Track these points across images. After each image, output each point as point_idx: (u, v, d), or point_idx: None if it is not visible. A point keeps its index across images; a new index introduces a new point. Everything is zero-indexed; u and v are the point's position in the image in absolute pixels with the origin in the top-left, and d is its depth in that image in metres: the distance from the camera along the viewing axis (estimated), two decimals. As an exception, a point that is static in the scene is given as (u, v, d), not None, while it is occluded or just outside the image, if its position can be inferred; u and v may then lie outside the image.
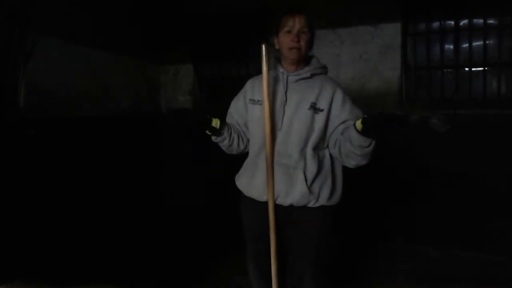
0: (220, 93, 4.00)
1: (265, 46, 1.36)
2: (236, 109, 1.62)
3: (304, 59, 1.52)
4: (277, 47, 1.53)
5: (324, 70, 1.55)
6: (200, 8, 3.81)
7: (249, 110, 1.57)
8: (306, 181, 1.43)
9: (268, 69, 1.39)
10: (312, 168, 1.44)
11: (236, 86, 1.74)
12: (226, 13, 3.72)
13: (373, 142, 1.32)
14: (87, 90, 3.17)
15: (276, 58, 1.57)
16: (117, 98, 3.56)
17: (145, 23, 3.82)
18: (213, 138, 1.57)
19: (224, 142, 1.57)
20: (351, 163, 1.43)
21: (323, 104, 1.44)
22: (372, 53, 3.21)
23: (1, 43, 2.49)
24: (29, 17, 2.58)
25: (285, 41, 1.46)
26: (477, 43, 2.98)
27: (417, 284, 2.42)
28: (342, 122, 1.44)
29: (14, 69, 2.57)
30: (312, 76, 1.49)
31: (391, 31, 3.13)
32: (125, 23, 3.56)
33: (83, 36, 3.08)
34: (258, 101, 1.52)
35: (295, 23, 1.43)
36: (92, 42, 3.18)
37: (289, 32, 1.44)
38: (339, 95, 1.45)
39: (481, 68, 2.99)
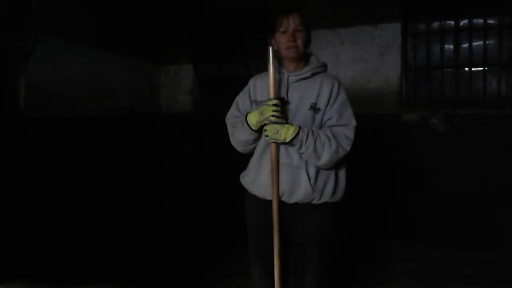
0: (220, 93, 4.00)
1: (271, 48, 1.37)
2: (245, 109, 1.62)
3: (303, 58, 1.53)
4: (275, 47, 1.53)
5: (324, 68, 1.57)
6: (200, 8, 3.81)
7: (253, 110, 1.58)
8: (309, 180, 1.45)
9: (275, 71, 1.39)
10: (314, 166, 1.46)
11: (236, 86, 1.74)
12: (226, 13, 3.71)
13: (303, 147, 1.39)
14: (87, 90, 3.17)
15: (276, 59, 1.58)
16: (117, 98, 3.55)
17: (145, 23, 3.82)
18: (252, 133, 1.50)
19: (255, 142, 1.56)
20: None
21: (322, 104, 1.47)
22: (372, 53, 3.21)
23: (1, 43, 2.49)
24: (29, 17, 2.58)
25: (281, 41, 1.47)
26: (477, 43, 2.97)
27: (417, 284, 2.42)
28: (329, 119, 1.47)
29: (14, 69, 2.57)
30: (312, 75, 1.51)
31: (391, 31, 3.13)
32: (125, 23, 3.55)
33: (83, 36, 3.08)
34: (260, 101, 1.54)
35: (290, 23, 1.44)
36: (92, 42, 3.18)
37: (284, 32, 1.46)
38: (334, 93, 1.48)
39: (481, 68, 2.98)
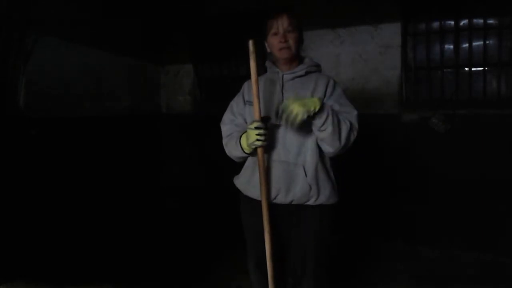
0: (220, 93, 4.00)
1: (252, 42, 1.38)
2: (239, 111, 1.63)
3: (297, 58, 1.56)
4: (268, 50, 1.58)
5: (318, 68, 1.59)
6: (200, 8, 3.81)
7: (246, 111, 1.59)
8: (307, 177, 1.44)
9: (257, 64, 1.39)
10: (312, 163, 1.45)
11: (236, 86, 1.75)
12: (226, 13, 3.72)
13: (328, 127, 1.34)
14: (87, 90, 3.17)
15: (271, 61, 1.62)
16: (117, 98, 3.55)
17: (145, 23, 3.82)
18: (244, 154, 1.50)
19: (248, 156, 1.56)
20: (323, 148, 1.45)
21: (318, 97, 1.46)
22: (372, 53, 3.21)
23: (1, 43, 2.49)
24: (29, 17, 2.58)
25: (273, 43, 1.51)
26: (477, 43, 2.97)
27: (417, 284, 2.42)
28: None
29: (14, 69, 2.57)
30: (306, 73, 1.53)
31: (391, 31, 3.13)
32: (125, 23, 3.55)
33: (83, 36, 3.07)
34: None
35: (279, 24, 1.47)
36: (92, 42, 3.18)
37: (276, 33, 1.49)
38: (330, 86, 1.50)
39: (481, 68, 2.98)
